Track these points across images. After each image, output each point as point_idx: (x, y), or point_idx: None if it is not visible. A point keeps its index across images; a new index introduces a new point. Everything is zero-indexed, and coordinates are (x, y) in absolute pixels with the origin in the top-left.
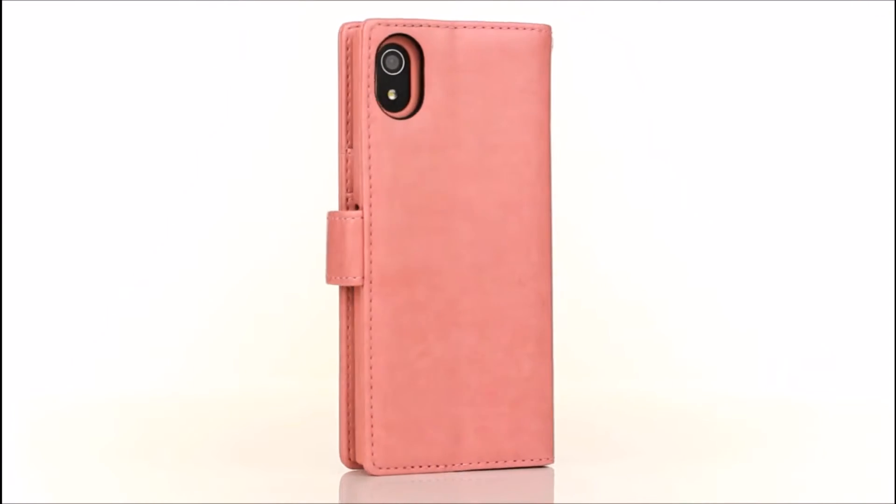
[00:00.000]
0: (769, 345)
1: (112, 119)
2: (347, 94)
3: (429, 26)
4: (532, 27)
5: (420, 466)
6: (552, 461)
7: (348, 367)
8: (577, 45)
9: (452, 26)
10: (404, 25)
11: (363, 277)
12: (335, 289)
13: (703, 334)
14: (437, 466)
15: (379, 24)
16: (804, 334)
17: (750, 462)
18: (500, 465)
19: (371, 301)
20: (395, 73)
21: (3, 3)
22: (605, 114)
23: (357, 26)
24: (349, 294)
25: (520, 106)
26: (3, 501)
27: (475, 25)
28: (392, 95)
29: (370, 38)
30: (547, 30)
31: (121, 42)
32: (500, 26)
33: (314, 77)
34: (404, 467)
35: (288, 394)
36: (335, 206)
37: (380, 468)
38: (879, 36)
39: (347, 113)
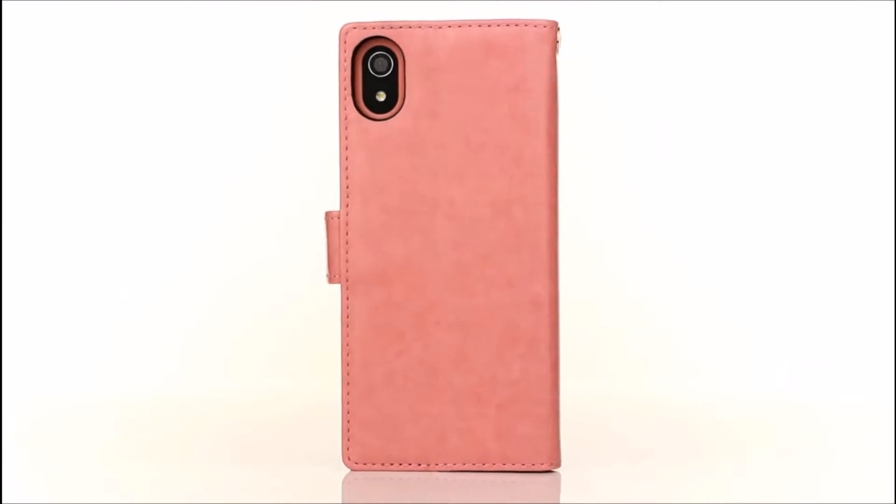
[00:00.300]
0: (769, 345)
1: (112, 119)
2: None
3: (409, 27)
4: (527, 23)
5: (400, 464)
6: (551, 466)
7: None
8: (583, 43)
9: (437, 26)
10: (382, 28)
11: (340, 276)
12: (338, 288)
13: (703, 334)
14: (419, 465)
15: (354, 27)
16: (804, 334)
17: (750, 462)
18: (487, 467)
19: (348, 299)
20: (384, 75)
21: (3, 3)
22: (607, 114)
23: (353, 27)
24: None
25: (509, 104)
26: (3, 501)
27: (461, 24)
28: (381, 97)
29: (345, 42)
30: (546, 26)
31: (121, 42)
32: (489, 24)
33: (314, 78)
34: (382, 464)
35: (292, 392)
36: (335, 207)
37: (356, 463)
38: (879, 36)
39: None
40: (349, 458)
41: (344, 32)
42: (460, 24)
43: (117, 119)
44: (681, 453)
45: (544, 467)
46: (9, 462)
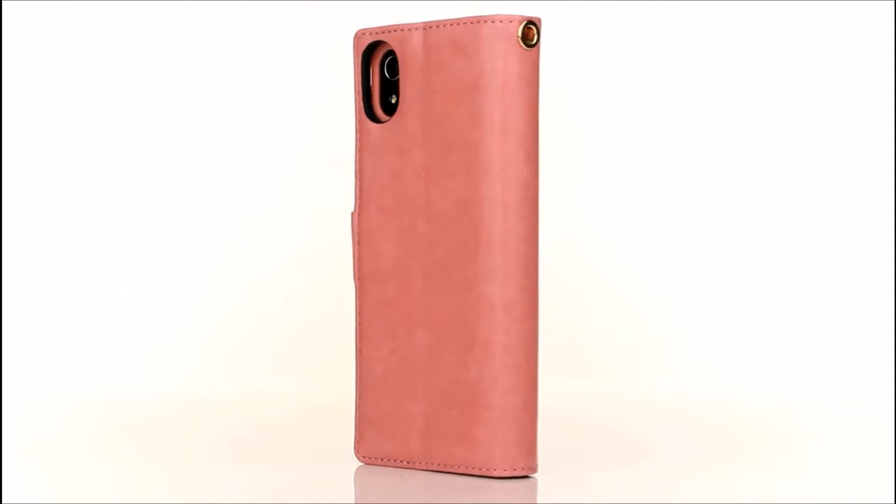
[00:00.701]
0: (769, 345)
1: (113, 119)
2: None
3: (401, 30)
4: (486, 20)
5: (391, 460)
6: (510, 472)
7: None
8: (581, 42)
9: (419, 28)
10: (383, 32)
11: (355, 274)
12: (346, 286)
13: (703, 334)
14: (406, 462)
15: (363, 33)
16: (804, 334)
17: (749, 462)
18: (453, 469)
19: (360, 297)
20: (396, 77)
21: (3, 3)
22: (606, 113)
23: (363, 33)
24: None
25: (469, 102)
26: (3, 501)
27: (439, 24)
28: (394, 100)
29: (356, 48)
30: (503, 21)
31: (122, 43)
32: (457, 23)
33: (315, 79)
34: (380, 459)
35: (292, 392)
36: (335, 207)
37: (364, 456)
38: (879, 36)
39: None
40: (358, 452)
41: (356, 38)
42: (439, 25)
43: (119, 120)
44: (680, 453)
45: (497, 473)
46: (8, 462)
